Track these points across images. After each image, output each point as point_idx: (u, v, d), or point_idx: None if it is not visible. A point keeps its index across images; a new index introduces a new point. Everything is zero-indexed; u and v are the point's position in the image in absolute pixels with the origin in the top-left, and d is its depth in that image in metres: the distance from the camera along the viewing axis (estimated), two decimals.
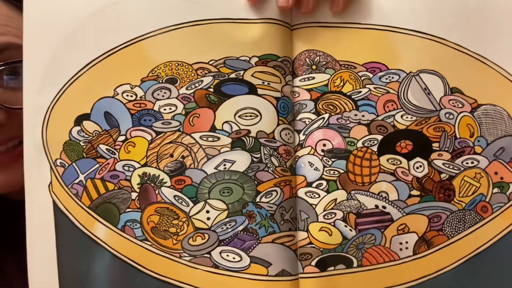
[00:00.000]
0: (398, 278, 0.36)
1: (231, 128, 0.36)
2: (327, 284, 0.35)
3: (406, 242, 0.36)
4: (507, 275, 0.37)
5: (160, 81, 0.36)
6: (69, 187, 0.36)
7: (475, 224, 0.37)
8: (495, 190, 0.37)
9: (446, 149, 0.37)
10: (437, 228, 0.36)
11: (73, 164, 0.36)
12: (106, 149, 0.36)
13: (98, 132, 0.36)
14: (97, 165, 0.36)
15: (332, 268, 0.35)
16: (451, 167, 0.37)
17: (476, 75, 0.38)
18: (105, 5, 0.37)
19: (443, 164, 0.37)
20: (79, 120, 0.36)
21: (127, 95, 0.36)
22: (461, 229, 0.36)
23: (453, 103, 0.37)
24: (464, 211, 0.37)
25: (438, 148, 0.37)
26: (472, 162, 0.37)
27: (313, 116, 0.37)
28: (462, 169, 0.37)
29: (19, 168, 0.43)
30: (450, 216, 0.36)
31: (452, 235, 0.36)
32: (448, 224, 0.36)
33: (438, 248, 0.36)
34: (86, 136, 0.36)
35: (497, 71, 0.38)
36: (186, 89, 0.36)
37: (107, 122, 0.36)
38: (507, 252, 0.37)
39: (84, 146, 0.36)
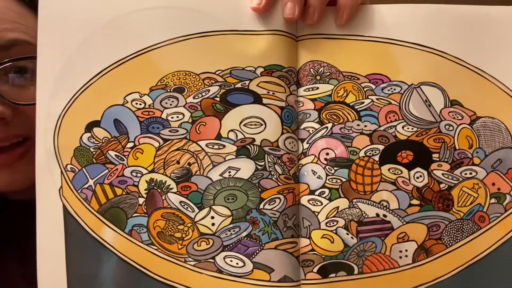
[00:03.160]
0: (397, 286, 0.33)
1: (236, 136, 0.33)
2: None
3: (406, 250, 0.33)
4: (503, 284, 0.34)
5: (168, 90, 0.34)
6: (78, 191, 0.34)
7: (472, 234, 0.34)
8: (492, 200, 0.34)
9: (446, 160, 0.34)
10: (436, 237, 0.33)
11: (83, 169, 0.34)
12: (115, 155, 0.34)
13: (107, 139, 0.34)
14: (106, 171, 0.33)
15: (333, 275, 0.33)
16: (450, 177, 0.34)
17: (475, 88, 0.35)
18: (116, 17, 0.34)
19: (443, 174, 0.34)
20: (90, 127, 0.34)
21: (136, 103, 0.34)
22: (459, 238, 0.34)
23: (452, 115, 0.34)
24: (462, 220, 0.34)
25: (438, 159, 0.34)
26: (470, 173, 0.34)
27: (317, 126, 0.34)
28: (460, 179, 0.34)
29: (23, 166, 0.41)
30: (449, 225, 0.34)
31: (450, 244, 0.34)
32: (446, 233, 0.34)
33: (436, 257, 0.34)
34: (96, 142, 0.34)
35: (496, 85, 0.35)
36: (193, 98, 0.34)
37: (116, 129, 0.34)
38: (504, 261, 0.34)
39: (94, 152, 0.34)
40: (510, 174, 0.34)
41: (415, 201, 0.33)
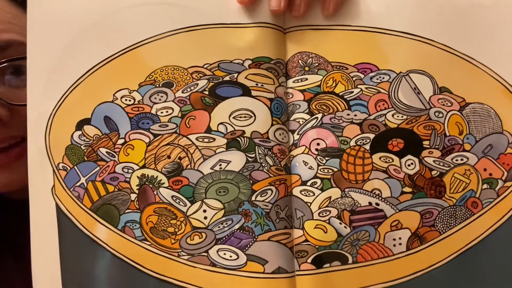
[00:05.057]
0: (392, 274, 0.32)
1: (226, 129, 0.32)
2: (323, 281, 0.32)
3: (400, 238, 0.32)
4: (497, 269, 0.33)
5: (157, 85, 0.33)
6: (71, 190, 0.33)
7: (466, 220, 0.33)
8: (485, 186, 0.33)
9: (436, 146, 0.33)
10: (429, 224, 0.33)
11: (75, 167, 0.33)
12: (106, 152, 0.33)
13: (98, 136, 0.33)
14: (98, 168, 0.33)
15: (327, 265, 0.32)
16: (441, 164, 0.33)
17: (464, 75, 0.34)
18: (104, 15, 0.34)
19: (434, 161, 0.33)
20: (80, 124, 0.33)
21: (126, 100, 0.33)
22: (452, 224, 0.33)
23: (442, 102, 0.34)
24: (455, 207, 0.33)
25: (428, 146, 0.33)
26: (461, 159, 0.33)
27: (307, 116, 0.33)
28: (452, 166, 0.33)
29: (21, 166, 0.40)
30: (442, 212, 0.33)
31: (444, 231, 0.33)
32: (439, 220, 0.33)
33: (430, 244, 0.33)
34: (87, 140, 0.33)
35: (484, 71, 0.34)
36: (182, 92, 0.33)
37: (107, 126, 0.33)
38: (498, 246, 0.33)
39: (85, 150, 0.33)
40: (501, 159, 0.34)
41: (407, 189, 0.33)
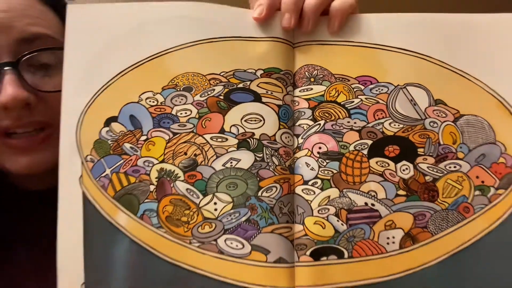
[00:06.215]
0: (385, 270, 0.35)
1: (238, 130, 0.36)
2: (320, 273, 0.34)
3: (393, 237, 0.35)
4: (486, 272, 0.35)
5: (178, 89, 0.37)
6: (97, 180, 0.36)
7: (457, 223, 0.35)
8: (477, 192, 0.36)
9: (431, 154, 0.36)
10: (422, 226, 0.35)
11: (101, 160, 0.37)
12: (130, 147, 0.37)
13: (123, 132, 0.37)
14: (122, 161, 0.36)
15: (325, 258, 0.35)
16: (435, 170, 0.36)
17: (459, 89, 0.37)
18: (135, 26, 0.37)
19: (428, 167, 0.36)
20: (108, 122, 0.37)
21: (150, 101, 0.37)
22: (444, 227, 0.35)
23: (437, 113, 0.37)
24: (447, 210, 0.35)
25: (423, 153, 0.36)
26: (454, 167, 0.36)
27: (311, 122, 0.37)
28: (445, 172, 0.36)
29: (43, 151, 0.43)
30: (434, 215, 0.35)
31: (435, 232, 0.35)
32: (432, 222, 0.35)
33: (422, 244, 0.35)
34: (114, 135, 0.37)
35: (478, 86, 0.37)
36: (200, 96, 0.37)
37: (131, 123, 0.37)
38: (487, 250, 0.35)
39: (111, 144, 0.37)
40: (494, 168, 0.36)
41: (401, 192, 0.35)
